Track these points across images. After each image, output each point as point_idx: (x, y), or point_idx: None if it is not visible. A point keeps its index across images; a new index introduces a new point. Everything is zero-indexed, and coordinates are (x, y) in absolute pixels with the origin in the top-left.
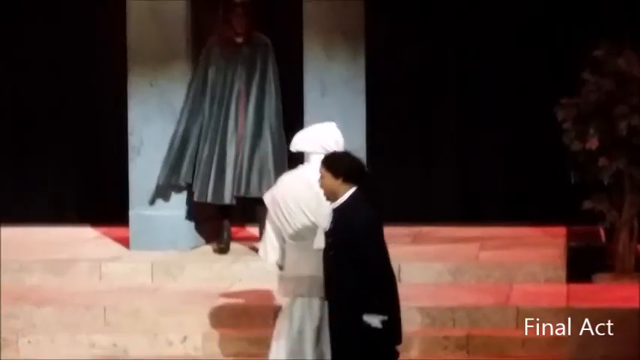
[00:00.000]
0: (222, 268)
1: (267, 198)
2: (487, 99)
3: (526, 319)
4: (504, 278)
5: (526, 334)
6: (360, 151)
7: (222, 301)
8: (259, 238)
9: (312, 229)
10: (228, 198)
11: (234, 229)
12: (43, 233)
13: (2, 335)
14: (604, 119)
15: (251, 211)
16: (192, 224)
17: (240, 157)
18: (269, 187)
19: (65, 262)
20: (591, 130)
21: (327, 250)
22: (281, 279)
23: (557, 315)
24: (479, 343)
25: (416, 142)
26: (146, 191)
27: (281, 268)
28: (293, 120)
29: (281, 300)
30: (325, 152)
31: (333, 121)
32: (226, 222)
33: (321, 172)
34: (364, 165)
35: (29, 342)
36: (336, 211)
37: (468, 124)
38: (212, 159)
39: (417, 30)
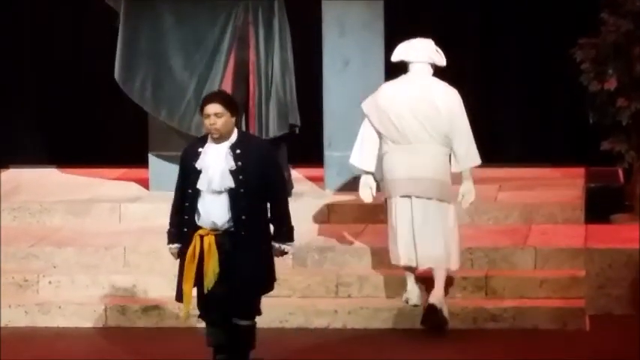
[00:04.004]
0: None
1: (367, 105)
2: (507, 39)
3: (544, 260)
4: (523, 219)
5: (544, 274)
6: None
7: None
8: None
9: (420, 134)
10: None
11: None
12: (64, 175)
13: (23, 276)
14: (622, 60)
15: None
16: None
17: (256, 99)
18: (286, 126)
19: (85, 203)
20: (610, 71)
21: (237, 189)
22: (386, 181)
23: (575, 256)
24: (497, 284)
25: None
26: (165, 133)
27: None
28: (311, 61)
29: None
30: (430, 62)
31: (351, 62)
32: None
33: (218, 111)
34: None
35: (50, 282)
36: (236, 149)
37: (487, 65)
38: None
39: None
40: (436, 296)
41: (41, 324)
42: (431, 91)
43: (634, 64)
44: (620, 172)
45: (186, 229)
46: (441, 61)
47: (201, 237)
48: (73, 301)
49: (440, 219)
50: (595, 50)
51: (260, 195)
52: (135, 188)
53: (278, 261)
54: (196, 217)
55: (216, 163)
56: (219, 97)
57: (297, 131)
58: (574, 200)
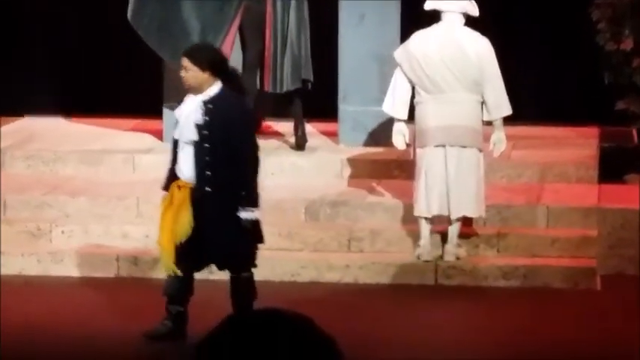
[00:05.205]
0: None
1: (399, 53)
2: None
3: (556, 219)
4: (536, 178)
5: (556, 233)
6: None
7: None
8: (295, 132)
9: (452, 83)
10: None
11: (266, 124)
12: (78, 125)
13: (36, 225)
14: (639, 20)
15: (283, 106)
16: None
17: (271, 52)
18: (299, 81)
19: (99, 153)
20: (626, 31)
21: (200, 143)
22: (419, 131)
23: (587, 215)
24: (509, 242)
25: None
26: (180, 84)
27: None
28: (327, 14)
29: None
30: (462, 12)
31: (367, 16)
32: None
33: (185, 64)
34: (227, 59)
35: (62, 232)
36: (208, 104)
37: (502, 24)
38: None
39: None
40: (451, 252)
41: (53, 273)
42: (462, 40)
43: None
44: (635, 133)
45: (172, 179)
46: (474, 11)
47: (179, 187)
48: (85, 251)
49: (474, 167)
50: (612, 10)
51: (229, 154)
52: (149, 139)
53: (290, 214)
54: (176, 168)
55: (188, 115)
56: (189, 50)
57: (309, 87)
58: (587, 160)
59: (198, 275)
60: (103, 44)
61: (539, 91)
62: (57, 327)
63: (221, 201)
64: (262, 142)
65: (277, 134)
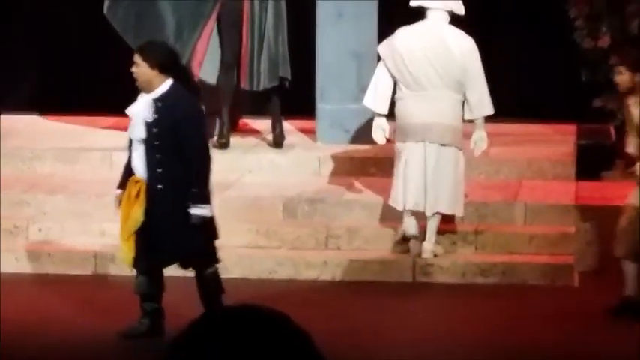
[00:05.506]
0: (232, 160)
1: (383, 48)
2: None
3: (534, 216)
4: (513, 175)
5: (534, 230)
6: (373, 47)
7: (232, 192)
8: (273, 129)
9: (434, 80)
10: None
11: (244, 122)
12: (56, 123)
13: (13, 222)
14: (616, 17)
15: (260, 103)
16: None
17: (248, 49)
18: (276, 78)
19: (77, 151)
20: (603, 28)
21: (150, 141)
22: (399, 127)
23: (565, 212)
24: (487, 239)
25: None
26: None
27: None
28: (304, 12)
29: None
30: (447, 10)
31: (344, 14)
32: (225, 116)
33: (136, 60)
34: (179, 57)
35: (40, 230)
36: (158, 102)
37: (481, 22)
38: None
39: None
40: (428, 250)
41: (31, 270)
42: (447, 38)
43: (627, 22)
44: (612, 130)
45: (127, 177)
46: (460, 9)
47: (136, 182)
48: (62, 249)
49: (452, 165)
50: (589, 7)
51: (179, 152)
52: (126, 137)
53: (268, 212)
54: (132, 166)
55: (138, 113)
56: (141, 46)
57: (287, 84)
58: (565, 157)
59: (174, 272)
60: (80, 41)
61: (516, 88)
62: (34, 325)
63: (173, 198)
64: (240, 140)
65: (255, 132)
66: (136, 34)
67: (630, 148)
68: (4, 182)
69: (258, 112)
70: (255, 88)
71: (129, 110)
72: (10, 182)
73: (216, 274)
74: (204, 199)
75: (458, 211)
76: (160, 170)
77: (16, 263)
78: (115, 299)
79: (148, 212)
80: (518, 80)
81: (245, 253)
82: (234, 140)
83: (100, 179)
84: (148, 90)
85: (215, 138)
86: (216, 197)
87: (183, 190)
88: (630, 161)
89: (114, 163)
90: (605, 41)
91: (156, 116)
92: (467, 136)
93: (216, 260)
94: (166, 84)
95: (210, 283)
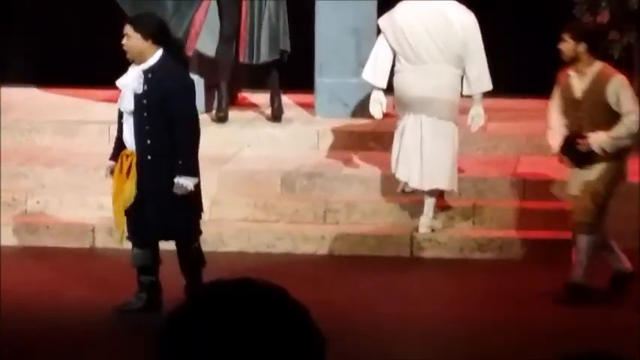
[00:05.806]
0: (231, 134)
1: (384, 21)
2: None
3: (532, 191)
4: (512, 150)
5: (532, 206)
6: (372, 22)
7: (231, 166)
8: (272, 103)
9: (434, 54)
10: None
11: (243, 95)
12: (55, 95)
13: (12, 195)
14: None
15: (259, 77)
16: (202, 89)
17: (248, 24)
18: (276, 52)
19: (75, 123)
20: (603, 3)
21: (139, 112)
22: (397, 100)
23: (563, 188)
24: (485, 214)
25: None
26: None
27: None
28: None
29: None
30: None
31: None
32: (224, 90)
33: (128, 32)
34: (169, 29)
35: (38, 202)
36: (148, 73)
37: None
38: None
39: None
40: (426, 225)
41: (28, 243)
42: (448, 13)
43: None
44: None
45: (119, 149)
46: None
47: (127, 157)
48: (60, 222)
49: (449, 140)
50: None
51: (168, 123)
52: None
53: (266, 186)
54: (123, 138)
55: (128, 84)
56: (133, 18)
57: (286, 58)
58: None
59: (169, 246)
60: (79, 14)
61: (515, 63)
62: (32, 298)
63: (162, 169)
64: (238, 114)
65: (253, 105)
66: (135, 7)
67: (552, 139)
68: (3, 154)
69: (256, 85)
70: (254, 62)
71: (119, 82)
72: (9, 154)
73: (198, 247)
74: (190, 170)
75: (453, 187)
76: (149, 142)
77: (15, 236)
78: (113, 272)
79: (139, 185)
80: (517, 55)
81: (243, 226)
82: (233, 114)
83: (98, 152)
84: (140, 61)
85: (214, 111)
86: (214, 171)
87: (173, 161)
88: (560, 158)
89: (112, 136)
90: (604, 16)
91: (145, 88)
92: (464, 111)
93: (199, 233)
94: (157, 55)
95: (191, 257)
